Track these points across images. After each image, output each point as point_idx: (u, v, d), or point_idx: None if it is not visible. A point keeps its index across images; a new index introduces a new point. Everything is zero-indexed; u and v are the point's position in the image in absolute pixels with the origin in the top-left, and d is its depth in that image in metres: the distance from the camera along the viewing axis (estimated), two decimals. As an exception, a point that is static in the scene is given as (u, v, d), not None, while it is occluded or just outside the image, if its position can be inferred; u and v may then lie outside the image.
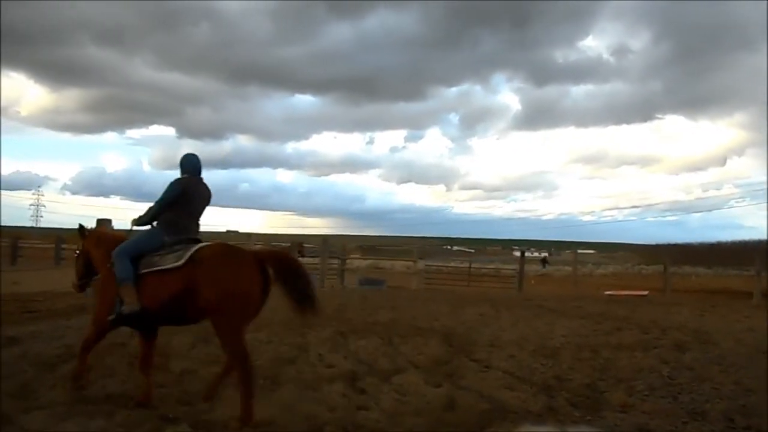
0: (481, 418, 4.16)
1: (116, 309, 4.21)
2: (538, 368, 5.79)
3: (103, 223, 9.22)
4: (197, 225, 4.60)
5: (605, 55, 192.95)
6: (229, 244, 4.40)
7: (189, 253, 4.08)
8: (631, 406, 4.58)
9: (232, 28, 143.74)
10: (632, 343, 7.43)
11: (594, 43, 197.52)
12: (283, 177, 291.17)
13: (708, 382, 5.40)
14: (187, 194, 4.46)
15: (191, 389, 4.57)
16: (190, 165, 4.62)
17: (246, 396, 3.85)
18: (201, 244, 4.24)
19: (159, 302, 4.10)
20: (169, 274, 4.08)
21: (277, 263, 4.14)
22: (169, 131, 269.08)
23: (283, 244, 20.51)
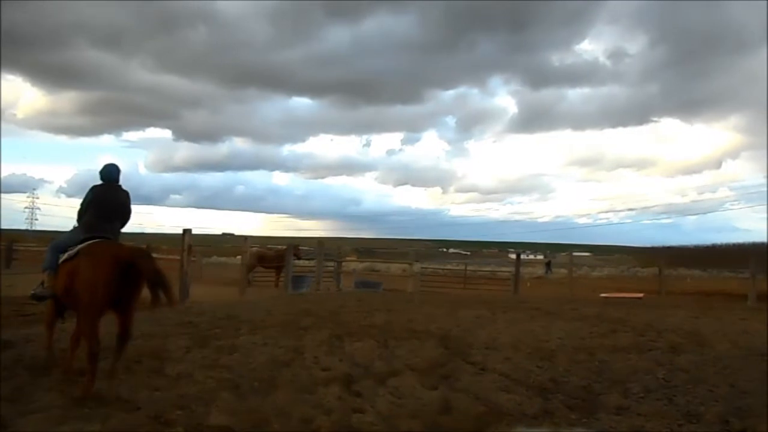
0: (476, 420, 4.16)
1: (35, 289, 5.12)
2: (533, 370, 5.80)
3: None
4: (113, 225, 5.24)
5: (602, 59, 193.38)
6: (106, 243, 4.91)
7: (78, 248, 4.80)
8: (626, 408, 4.59)
9: (230, 30, 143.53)
10: (628, 345, 7.44)
11: (590, 47, 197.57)
12: (280, 179, 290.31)
13: (703, 384, 5.41)
14: (98, 199, 5.18)
15: (187, 392, 4.56)
16: (104, 174, 5.35)
17: (90, 372, 4.44)
18: (91, 242, 4.86)
19: (61, 288, 4.82)
20: (64, 265, 4.84)
21: (133, 260, 4.64)
22: (166, 134, 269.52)
23: (279, 247, 20.48)
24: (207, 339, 6.76)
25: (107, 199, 5.23)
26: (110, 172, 5.38)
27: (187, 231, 11.76)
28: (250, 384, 4.88)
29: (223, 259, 37.90)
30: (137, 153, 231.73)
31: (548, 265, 41.04)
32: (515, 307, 11.70)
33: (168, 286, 4.66)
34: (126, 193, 5.43)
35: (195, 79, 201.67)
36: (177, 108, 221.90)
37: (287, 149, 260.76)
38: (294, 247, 17.89)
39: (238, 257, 19.59)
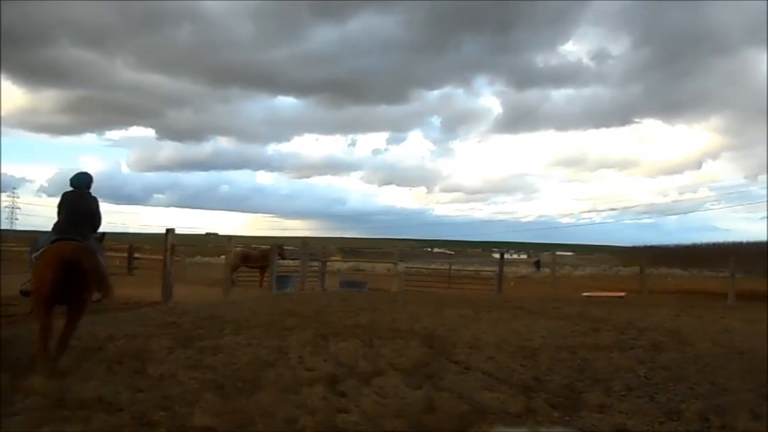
0: (460, 419, 4.18)
1: (23, 285, 5.72)
2: (517, 369, 5.84)
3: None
4: (82, 229, 5.63)
5: (585, 60, 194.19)
6: (61, 244, 5.34)
7: (42, 249, 5.36)
8: (608, 406, 4.64)
9: (215, 29, 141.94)
10: (610, 343, 7.52)
11: (574, 48, 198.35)
12: (264, 179, 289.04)
13: (684, 381, 5.49)
14: (68, 205, 5.65)
15: (170, 393, 4.53)
16: (74, 181, 5.77)
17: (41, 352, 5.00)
18: (54, 243, 5.37)
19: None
20: (35, 264, 5.36)
21: (76, 257, 5.12)
22: (149, 133, 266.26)
23: (264, 247, 20.40)
24: (190, 339, 6.73)
25: (76, 205, 5.67)
26: (80, 180, 5.81)
27: (170, 231, 11.67)
28: (234, 384, 4.86)
29: (207, 259, 37.61)
30: (120, 152, 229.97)
31: (537, 264, 41.38)
32: (499, 307, 11.77)
33: (102, 280, 5.23)
34: (95, 200, 5.89)
35: (179, 78, 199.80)
36: (161, 107, 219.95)
37: (272, 148, 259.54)
38: (278, 246, 17.82)
39: (222, 257, 19.47)
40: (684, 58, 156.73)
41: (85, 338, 6.39)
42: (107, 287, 5.29)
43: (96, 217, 5.88)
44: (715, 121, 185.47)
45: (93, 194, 5.91)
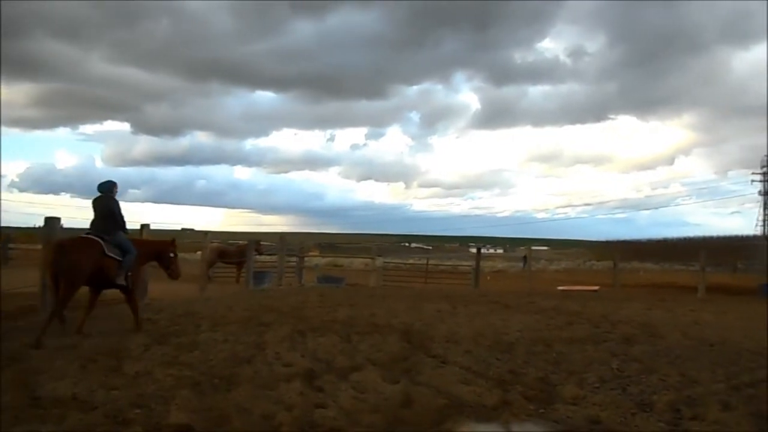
0: (437, 413, 4.21)
1: None
2: (493, 363, 5.91)
3: (53, 221, 8.93)
4: (105, 226, 7.00)
5: (562, 57, 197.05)
6: (69, 238, 7.21)
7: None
8: (582, 399, 4.72)
9: (194, 24, 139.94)
10: (584, 336, 7.65)
11: (551, 45, 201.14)
12: (242, 174, 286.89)
13: (655, 374, 5.60)
14: (94, 207, 7.15)
15: (146, 391, 4.48)
16: (99, 187, 7.18)
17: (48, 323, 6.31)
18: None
19: None
20: None
21: (62, 247, 6.62)
22: (125, 127, 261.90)
23: (241, 242, 20.24)
24: (166, 336, 6.67)
25: (99, 207, 7.11)
26: (102, 186, 7.19)
27: (145, 226, 11.50)
28: (211, 381, 4.83)
29: (182, 254, 37.16)
30: (93, 146, 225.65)
31: (525, 258, 41.78)
32: (475, 301, 11.87)
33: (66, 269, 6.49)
34: (115, 202, 7.16)
35: (157, 72, 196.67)
36: (137, 101, 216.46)
37: (250, 143, 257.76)
38: (255, 242, 17.69)
39: (198, 253, 19.26)
40: (658, 56, 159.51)
41: (59, 335, 6.30)
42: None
43: (117, 216, 7.09)
44: (687, 118, 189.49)
45: (115, 198, 7.22)
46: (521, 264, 39.59)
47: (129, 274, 7.03)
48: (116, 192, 7.23)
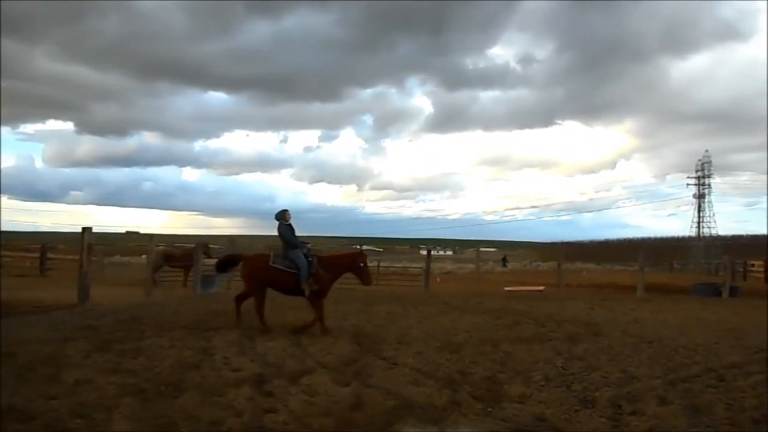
0: (387, 415, 4.24)
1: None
2: (443, 363, 5.98)
3: None
4: (282, 245, 8.17)
5: (512, 63, 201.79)
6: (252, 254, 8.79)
7: None
8: (528, 397, 4.84)
9: (144, 21, 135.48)
10: (529, 336, 7.84)
11: (502, 52, 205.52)
12: (190, 176, 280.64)
13: (597, 371, 5.80)
14: (279, 233, 8.22)
15: (87, 399, 4.33)
16: (276, 215, 8.33)
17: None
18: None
19: None
20: None
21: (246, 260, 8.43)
22: (68, 126, 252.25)
23: (188, 245, 19.78)
24: (109, 343, 6.46)
25: (278, 231, 8.18)
26: (275, 215, 8.30)
27: (86, 229, 11.10)
28: (156, 388, 4.71)
29: (126, 258, 36.09)
30: (34, 147, 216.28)
31: (503, 260, 42.32)
32: (426, 302, 11.99)
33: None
34: (282, 227, 8.14)
35: (104, 70, 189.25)
36: (83, 100, 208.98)
37: (200, 145, 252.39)
38: (203, 245, 17.32)
39: (144, 256, 18.73)
40: (603, 63, 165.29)
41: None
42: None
43: (284, 238, 8.12)
44: (629, 123, 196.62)
45: (284, 223, 8.15)
46: (500, 264, 40.26)
47: (311, 282, 7.83)
48: (287, 218, 8.20)
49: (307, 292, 7.86)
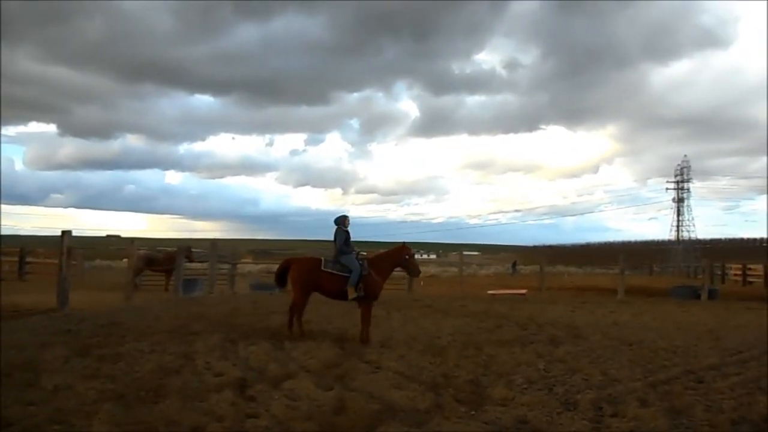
0: (370, 418, 4.23)
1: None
2: (426, 367, 5.99)
3: None
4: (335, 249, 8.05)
5: (498, 69, 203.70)
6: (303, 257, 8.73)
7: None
8: (511, 400, 4.86)
9: (129, 22, 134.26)
10: (512, 339, 7.89)
11: (488, 57, 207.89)
12: (173, 179, 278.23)
13: (579, 373, 5.85)
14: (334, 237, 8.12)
15: (66, 405, 4.27)
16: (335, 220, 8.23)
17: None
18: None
19: None
20: None
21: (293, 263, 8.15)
22: (50, 129, 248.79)
23: (170, 249, 19.60)
24: (88, 348, 6.38)
25: (337, 237, 8.07)
26: (335, 219, 8.21)
27: (66, 233, 10.98)
28: (136, 393, 4.66)
29: (107, 262, 35.63)
30: (14, 149, 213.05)
31: (514, 265, 42.37)
32: (409, 306, 11.99)
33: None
34: (337, 232, 8.07)
35: (87, 72, 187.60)
36: (65, 102, 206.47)
37: (184, 148, 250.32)
38: (185, 248, 17.19)
39: (125, 260, 18.51)
40: (586, 70, 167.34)
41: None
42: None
43: (336, 243, 8.01)
44: (611, 129, 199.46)
45: (341, 229, 8.07)
46: (510, 270, 40.30)
47: (360, 287, 7.77)
48: (346, 224, 8.15)
49: (351, 296, 7.79)
